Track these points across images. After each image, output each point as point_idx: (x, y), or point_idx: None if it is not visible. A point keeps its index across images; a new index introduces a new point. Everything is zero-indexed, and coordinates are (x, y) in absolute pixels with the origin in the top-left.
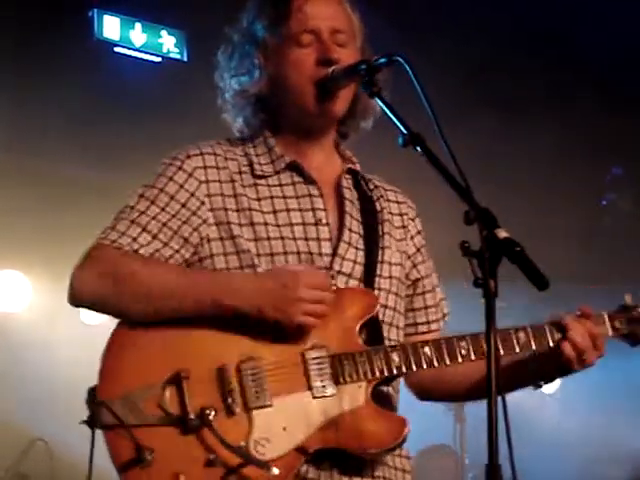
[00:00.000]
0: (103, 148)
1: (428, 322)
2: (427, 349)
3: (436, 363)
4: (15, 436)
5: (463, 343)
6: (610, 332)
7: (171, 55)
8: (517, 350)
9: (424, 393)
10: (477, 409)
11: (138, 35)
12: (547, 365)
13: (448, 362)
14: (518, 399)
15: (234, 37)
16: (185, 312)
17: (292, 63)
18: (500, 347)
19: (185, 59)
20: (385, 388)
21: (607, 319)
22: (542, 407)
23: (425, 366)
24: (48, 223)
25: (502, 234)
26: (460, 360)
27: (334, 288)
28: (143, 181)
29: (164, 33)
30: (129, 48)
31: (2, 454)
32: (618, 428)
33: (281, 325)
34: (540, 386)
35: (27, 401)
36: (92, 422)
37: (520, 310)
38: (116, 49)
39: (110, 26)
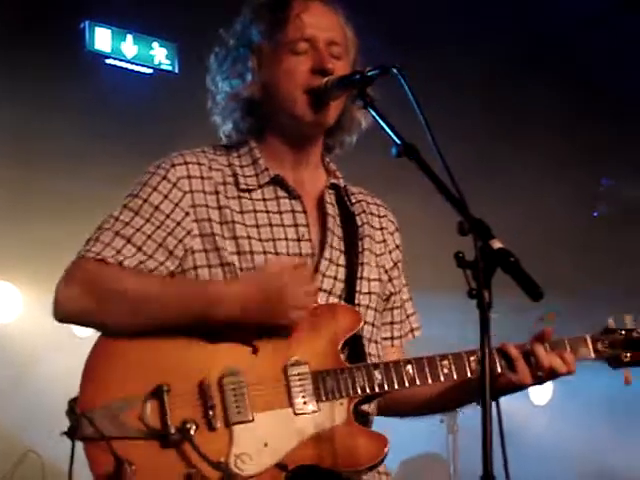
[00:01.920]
0: (94, 160)
1: (392, 337)
2: (409, 367)
3: (418, 382)
4: (7, 448)
5: (445, 362)
6: (592, 355)
7: (162, 67)
8: (441, 379)
9: (387, 410)
10: (471, 420)
11: (129, 47)
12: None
13: (430, 381)
14: (509, 411)
15: (228, 40)
16: (169, 323)
17: (286, 70)
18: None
19: (176, 71)
20: (366, 406)
21: (590, 342)
22: (533, 419)
23: (407, 384)
24: (38, 235)
25: (496, 245)
26: (442, 379)
27: (315, 305)
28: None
29: (156, 45)
30: (120, 60)
31: None
32: (606, 442)
33: (272, 326)
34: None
35: (18, 412)
36: (72, 433)
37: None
38: (107, 61)
39: (101, 38)
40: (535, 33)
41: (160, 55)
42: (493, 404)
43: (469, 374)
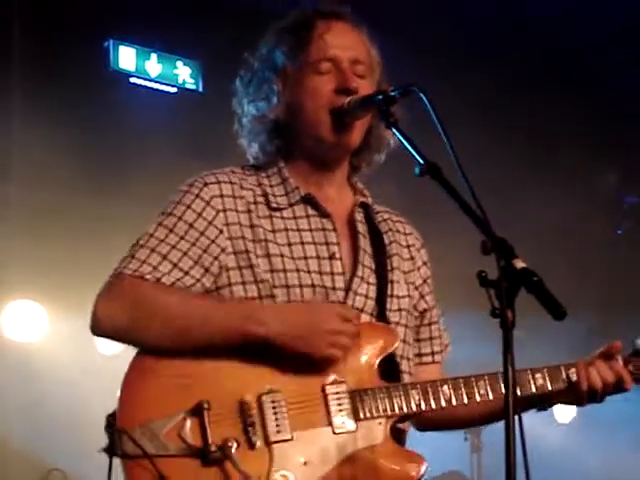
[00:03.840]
0: (119, 180)
1: (432, 353)
2: (446, 388)
3: (454, 402)
4: (32, 466)
5: (481, 383)
6: None
7: (186, 86)
8: (533, 391)
9: (423, 424)
10: (495, 439)
11: (154, 66)
12: (558, 397)
13: (466, 402)
14: (532, 429)
15: (253, 63)
16: (210, 341)
17: (310, 91)
18: (518, 389)
19: (200, 90)
20: (401, 425)
21: (621, 361)
22: (557, 437)
23: (444, 404)
24: (64, 254)
25: (519, 264)
26: (478, 400)
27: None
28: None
29: (179, 64)
30: (144, 79)
31: None
32: (631, 463)
33: (305, 357)
34: (545, 409)
35: (43, 430)
36: (111, 450)
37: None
38: (132, 80)
39: (126, 57)
40: (552, 51)
41: (184, 74)
42: (516, 422)
43: None
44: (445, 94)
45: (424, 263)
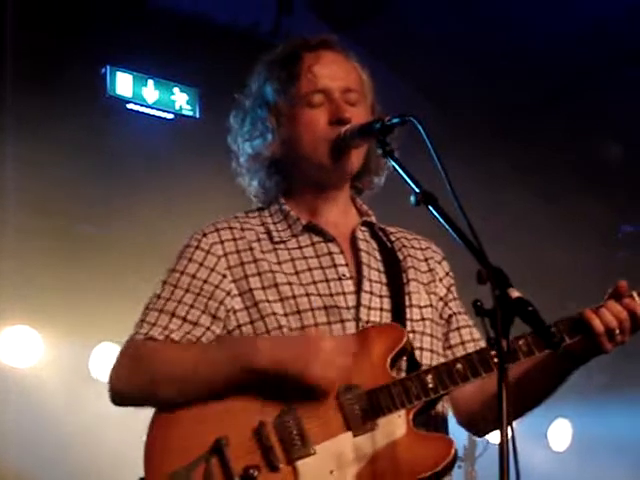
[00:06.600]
0: (115, 205)
1: None
2: (459, 365)
3: (471, 377)
4: None
5: (494, 352)
6: None
7: (184, 112)
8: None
9: (475, 424)
10: (489, 466)
11: (151, 92)
12: (581, 350)
13: (483, 374)
14: (527, 457)
15: (245, 102)
16: (218, 385)
17: (304, 124)
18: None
19: (197, 116)
20: (433, 411)
21: (637, 297)
22: (552, 466)
23: (460, 382)
24: (59, 279)
25: (514, 294)
26: (494, 369)
27: (360, 328)
28: (156, 238)
29: (177, 90)
30: (141, 105)
31: None
32: None
33: (302, 380)
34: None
35: (39, 454)
36: None
37: None
38: (128, 106)
39: (123, 83)
40: (547, 80)
41: (181, 100)
42: (511, 450)
43: (521, 357)
44: (442, 124)
45: (446, 274)
